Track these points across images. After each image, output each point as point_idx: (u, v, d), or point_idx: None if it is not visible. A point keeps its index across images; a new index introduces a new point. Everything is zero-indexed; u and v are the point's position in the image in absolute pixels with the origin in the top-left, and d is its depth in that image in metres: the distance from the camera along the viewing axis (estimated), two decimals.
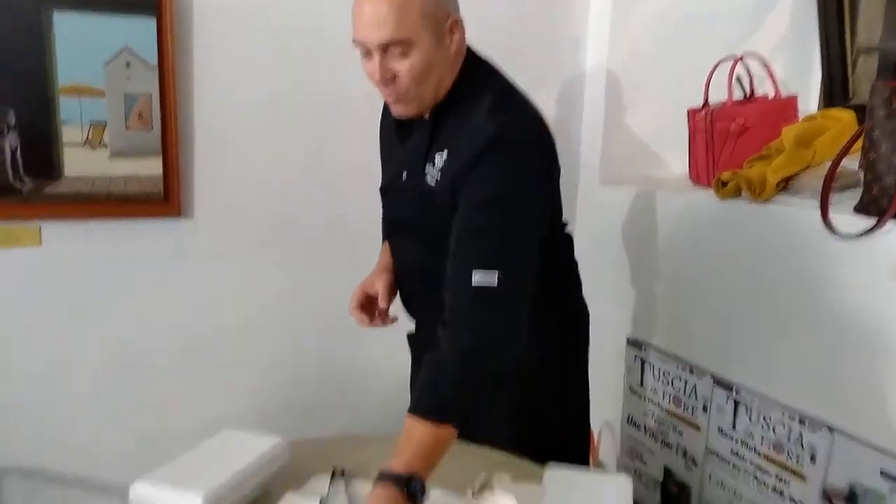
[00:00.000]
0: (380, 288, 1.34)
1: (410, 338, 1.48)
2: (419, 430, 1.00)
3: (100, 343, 1.78)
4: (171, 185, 1.72)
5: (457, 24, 1.14)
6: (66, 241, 1.69)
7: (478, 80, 1.18)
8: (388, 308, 1.35)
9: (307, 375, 1.97)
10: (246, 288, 1.88)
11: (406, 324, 1.45)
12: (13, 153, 1.59)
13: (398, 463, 0.97)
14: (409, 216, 1.28)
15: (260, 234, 1.86)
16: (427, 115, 1.19)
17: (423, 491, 0.95)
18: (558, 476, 1.13)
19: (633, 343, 1.86)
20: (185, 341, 1.85)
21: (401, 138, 1.25)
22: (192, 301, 1.83)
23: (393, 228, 1.37)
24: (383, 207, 1.37)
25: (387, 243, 1.43)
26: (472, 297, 1.03)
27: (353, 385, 2.01)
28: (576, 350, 1.44)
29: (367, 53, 1.13)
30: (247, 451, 1.19)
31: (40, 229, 1.66)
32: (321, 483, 1.23)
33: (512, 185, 1.08)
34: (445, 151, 1.14)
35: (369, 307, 1.36)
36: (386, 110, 1.34)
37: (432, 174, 1.15)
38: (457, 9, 1.16)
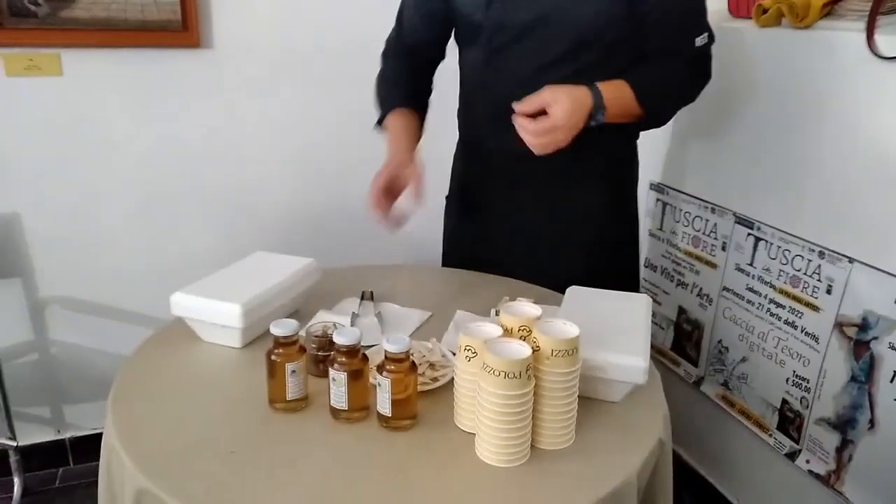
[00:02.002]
0: (415, 181, 1.23)
1: (468, 194, 1.48)
2: (629, 95, 1.22)
3: (127, 173, 1.80)
4: (188, 12, 1.66)
5: None
6: (87, 71, 1.67)
7: None
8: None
9: (330, 212, 2.00)
10: (267, 120, 1.87)
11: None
12: None
13: (605, 93, 1.19)
14: (551, 7, 1.23)
15: (280, 66, 1.82)
16: None
17: (598, 122, 1.20)
18: (578, 293, 1.17)
19: (656, 187, 1.86)
20: (212, 174, 1.87)
21: None
22: (214, 132, 1.83)
23: (507, 40, 1.28)
24: (483, 27, 1.28)
25: (401, 116, 1.37)
26: (696, 54, 1.28)
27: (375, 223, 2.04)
28: (637, 170, 1.50)
29: None
30: (281, 268, 1.24)
31: (60, 57, 1.63)
32: (351, 304, 1.29)
33: None
34: None
35: (388, 198, 1.27)
36: None
37: None
38: None
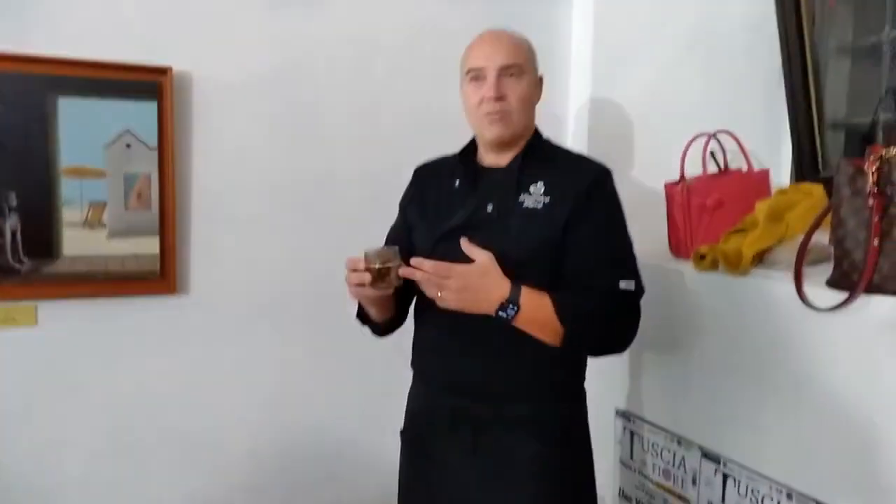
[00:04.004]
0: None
1: (417, 433, 1.49)
2: (548, 308, 1.27)
3: (94, 423, 1.78)
4: (167, 263, 1.75)
5: (541, 81, 1.45)
6: (61, 320, 1.71)
7: (546, 141, 1.48)
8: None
9: (298, 453, 1.97)
10: (238, 365, 1.89)
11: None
12: (13, 235, 1.62)
13: (526, 294, 1.27)
14: (495, 240, 1.31)
15: (253, 311, 1.89)
16: (506, 162, 1.41)
17: (510, 315, 1.27)
18: None
19: (622, 414, 1.88)
20: (180, 419, 1.85)
21: (471, 187, 1.41)
22: (185, 378, 1.84)
23: None
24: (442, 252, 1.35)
25: None
26: (621, 296, 1.32)
27: (342, 463, 2.02)
28: (585, 411, 1.50)
29: (478, 78, 1.37)
30: None
31: (36, 308, 1.68)
32: None
33: (621, 214, 1.40)
34: (541, 184, 1.36)
35: None
36: (425, 175, 1.54)
37: (533, 199, 1.36)
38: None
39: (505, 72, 1.35)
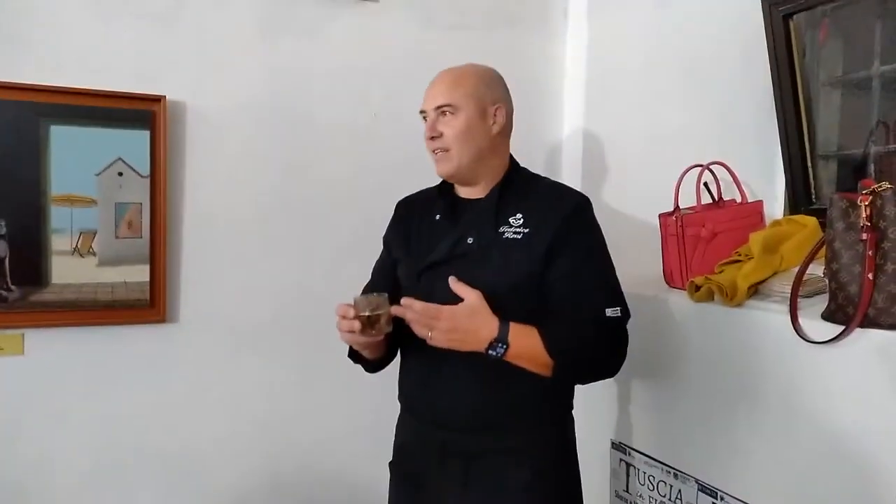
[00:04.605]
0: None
1: (407, 464, 1.48)
2: (536, 343, 1.28)
3: (81, 452, 1.75)
4: (157, 291, 1.74)
5: (501, 110, 1.43)
6: (48, 349, 1.69)
7: (524, 171, 1.49)
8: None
9: (286, 483, 1.94)
10: (227, 394, 1.87)
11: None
12: (1, 262, 1.61)
13: (514, 331, 1.27)
14: (477, 271, 1.33)
15: (243, 340, 1.87)
16: (485, 193, 1.43)
17: (499, 353, 1.28)
18: None
19: (618, 447, 1.85)
20: (168, 448, 1.82)
21: (451, 220, 1.44)
22: (174, 406, 1.82)
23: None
24: (426, 285, 1.38)
25: None
26: (608, 323, 1.33)
27: (330, 493, 1.99)
28: (574, 436, 1.49)
29: (425, 120, 1.43)
30: None
31: (23, 337, 1.66)
32: None
33: (602, 241, 1.42)
34: (520, 214, 1.38)
35: None
36: (406, 209, 1.55)
37: (513, 230, 1.37)
38: (507, 100, 1.45)
39: (440, 111, 1.40)
